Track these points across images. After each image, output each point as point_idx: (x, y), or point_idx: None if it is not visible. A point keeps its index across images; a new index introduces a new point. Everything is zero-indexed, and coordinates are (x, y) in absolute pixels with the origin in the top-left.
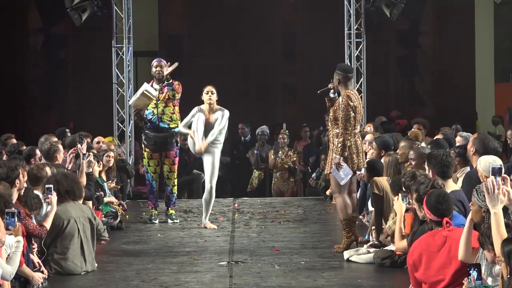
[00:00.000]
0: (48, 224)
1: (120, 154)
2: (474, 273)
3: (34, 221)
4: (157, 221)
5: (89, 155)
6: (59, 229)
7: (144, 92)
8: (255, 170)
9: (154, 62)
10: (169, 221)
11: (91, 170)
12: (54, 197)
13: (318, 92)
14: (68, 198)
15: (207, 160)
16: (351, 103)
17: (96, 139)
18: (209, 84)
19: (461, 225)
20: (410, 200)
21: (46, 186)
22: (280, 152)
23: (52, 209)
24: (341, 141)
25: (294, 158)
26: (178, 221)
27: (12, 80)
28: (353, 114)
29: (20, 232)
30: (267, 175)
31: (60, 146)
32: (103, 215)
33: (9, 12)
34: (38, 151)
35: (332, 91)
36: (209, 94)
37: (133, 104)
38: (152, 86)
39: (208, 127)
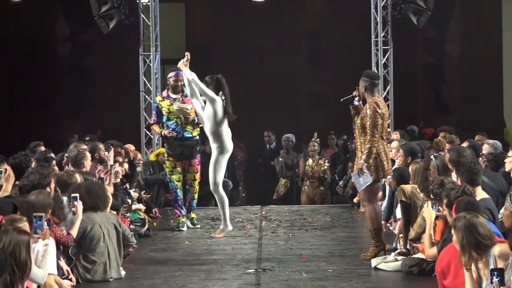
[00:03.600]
0: (74, 232)
1: None
2: (496, 279)
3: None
4: (185, 228)
5: (116, 165)
6: (83, 234)
7: (177, 109)
8: (281, 178)
9: (173, 76)
10: (190, 225)
11: (118, 180)
12: (79, 206)
13: (342, 100)
14: (92, 211)
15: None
16: (379, 110)
17: (126, 147)
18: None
19: None
20: (439, 207)
21: (72, 195)
22: (311, 160)
23: (78, 218)
24: (367, 147)
25: (325, 167)
26: (199, 226)
27: (40, 88)
28: (381, 121)
29: (48, 235)
30: (293, 183)
31: (88, 153)
32: (130, 223)
33: (37, 21)
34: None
35: (357, 98)
36: None
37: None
38: (168, 95)
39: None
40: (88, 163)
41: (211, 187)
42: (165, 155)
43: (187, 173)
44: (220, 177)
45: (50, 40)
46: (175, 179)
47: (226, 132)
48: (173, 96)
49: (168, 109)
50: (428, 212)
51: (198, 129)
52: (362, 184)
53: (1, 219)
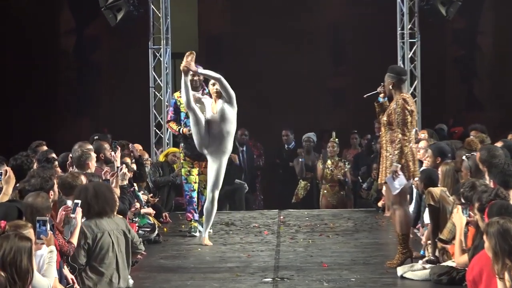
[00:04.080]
0: (75, 240)
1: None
2: None
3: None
4: (197, 234)
5: (123, 167)
6: (92, 243)
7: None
8: (301, 180)
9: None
10: (202, 230)
11: (125, 183)
12: (79, 214)
13: (365, 96)
14: (99, 217)
15: (211, 167)
16: (408, 107)
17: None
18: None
19: None
20: (470, 213)
21: (75, 201)
22: (330, 162)
23: (77, 226)
24: (398, 147)
25: (345, 169)
26: (211, 231)
27: (42, 84)
28: (410, 118)
29: (53, 241)
30: (313, 186)
31: (93, 154)
32: (139, 228)
33: (40, 12)
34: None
35: (381, 95)
36: (216, 85)
37: None
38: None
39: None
40: (93, 164)
41: (215, 193)
42: (181, 155)
43: (200, 175)
44: None
45: (53, 33)
46: (192, 180)
47: None
48: (192, 92)
49: None
50: (459, 217)
51: None
52: (398, 188)
53: (4, 225)
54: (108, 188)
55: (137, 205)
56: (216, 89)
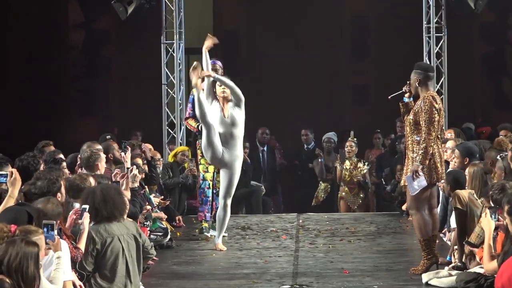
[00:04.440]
0: (82, 246)
1: (192, 169)
2: None
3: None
4: (209, 234)
5: (133, 168)
6: (101, 249)
7: None
8: (321, 182)
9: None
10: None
11: (136, 185)
12: (86, 219)
13: (390, 97)
14: (108, 221)
15: (225, 173)
16: (436, 105)
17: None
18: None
19: None
20: (499, 216)
21: (82, 206)
22: (348, 162)
23: (84, 231)
24: (423, 147)
25: (365, 171)
26: (226, 234)
27: (50, 81)
28: (437, 117)
29: (60, 246)
30: (334, 188)
31: (102, 154)
32: (150, 232)
33: (47, 5)
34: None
35: (407, 95)
36: (223, 86)
37: None
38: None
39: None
40: (102, 165)
41: (227, 201)
42: (198, 151)
43: (217, 174)
44: None
45: (61, 27)
46: (209, 178)
47: None
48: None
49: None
50: (487, 221)
51: None
52: (416, 189)
53: (14, 229)
54: (117, 191)
55: (148, 207)
56: (223, 91)
